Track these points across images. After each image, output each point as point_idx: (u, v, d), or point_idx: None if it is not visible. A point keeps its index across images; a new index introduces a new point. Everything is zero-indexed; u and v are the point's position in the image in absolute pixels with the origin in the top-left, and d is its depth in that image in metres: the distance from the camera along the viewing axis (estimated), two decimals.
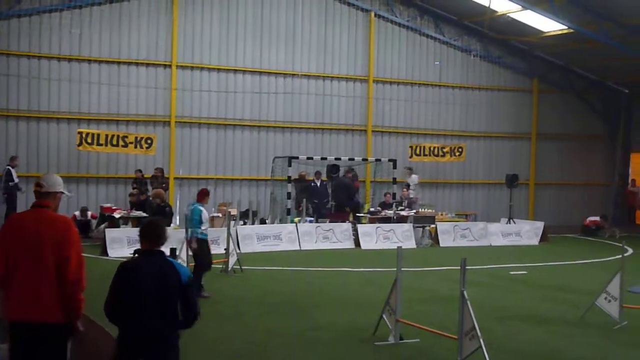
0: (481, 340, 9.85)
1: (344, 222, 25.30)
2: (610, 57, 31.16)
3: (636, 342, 12.04)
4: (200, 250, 15.08)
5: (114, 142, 26.11)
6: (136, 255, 6.76)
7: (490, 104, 33.52)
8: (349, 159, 28.55)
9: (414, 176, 29.63)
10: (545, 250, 25.18)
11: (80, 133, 25.61)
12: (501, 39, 33.02)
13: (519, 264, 21.43)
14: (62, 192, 6.95)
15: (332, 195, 26.64)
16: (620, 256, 13.41)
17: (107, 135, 26.02)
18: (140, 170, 26.63)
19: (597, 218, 30.46)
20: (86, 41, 26.76)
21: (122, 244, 20.96)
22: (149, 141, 26.52)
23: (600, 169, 36.15)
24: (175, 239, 20.29)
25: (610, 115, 35.94)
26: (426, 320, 12.57)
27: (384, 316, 11.73)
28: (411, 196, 28.55)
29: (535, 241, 26.94)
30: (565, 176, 35.20)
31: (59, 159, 26.42)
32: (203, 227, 15.11)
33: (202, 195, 15.54)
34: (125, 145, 26.27)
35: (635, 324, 13.07)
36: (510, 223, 28.43)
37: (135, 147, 26.39)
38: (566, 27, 28.64)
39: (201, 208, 15.13)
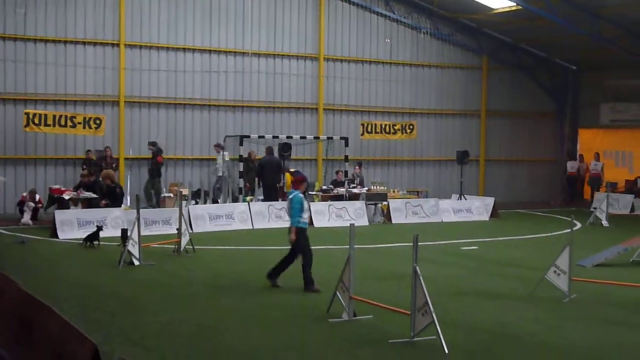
0: (434, 316, 9.94)
1: None
2: (558, 35, 31.45)
3: (585, 315, 12.23)
4: (304, 239, 14.11)
5: (62, 123, 25.69)
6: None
7: (440, 82, 33.66)
8: (301, 137, 28.47)
9: (223, 152, 27.49)
10: (495, 226, 25.46)
11: (27, 114, 25.15)
12: (451, 17, 33.13)
13: (470, 239, 21.63)
14: None
15: (261, 174, 26.15)
16: (569, 230, 13.60)
17: (54, 116, 25.60)
18: (89, 151, 26.34)
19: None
20: (31, 21, 26.22)
21: (72, 226, 20.69)
22: (97, 121, 26.16)
23: (549, 146, 36.59)
24: (126, 220, 20.24)
25: (558, 92, 36.34)
26: (379, 297, 12.63)
27: (337, 293, 11.76)
28: (219, 174, 27.27)
29: (485, 217, 27.22)
30: (514, 152, 35.58)
31: (5, 140, 25.94)
32: (305, 216, 14.23)
33: (300, 182, 14.55)
34: (74, 126, 25.85)
35: (584, 296, 13.28)
36: (461, 199, 28.70)
37: (84, 127, 26.00)
38: (515, 5, 28.84)
39: (301, 196, 14.19)
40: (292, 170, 26.05)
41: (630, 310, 12.65)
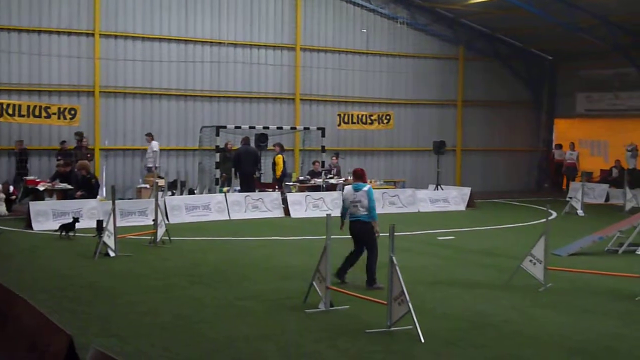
0: (410, 305, 9.96)
1: (274, 191, 25.25)
2: (534, 25, 31.61)
3: (560, 303, 12.31)
4: (374, 234, 13.41)
5: (37, 113, 25.53)
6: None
7: (417, 72, 33.70)
8: (278, 128, 28.42)
9: (153, 142, 27.26)
10: (472, 216, 25.56)
11: (1, 104, 24.96)
12: (427, 7, 33.17)
13: (446, 229, 21.70)
14: None
15: (237, 164, 26.04)
16: (544, 220, 13.67)
17: (29, 106, 25.43)
18: (64, 142, 26.18)
19: None
20: (5, 10, 25.99)
21: (47, 217, 20.54)
22: (72, 112, 26.01)
23: (525, 135, 36.78)
24: (102, 211, 20.12)
25: (534, 81, 36.52)
26: (356, 287, 12.67)
27: (314, 284, 11.76)
28: (149, 165, 26.92)
29: (462, 207, 27.31)
30: (491, 142, 35.72)
31: None
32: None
33: (365, 175, 13.93)
34: (48, 116, 25.70)
35: (560, 285, 13.37)
36: (437, 189, 28.78)
37: (59, 118, 25.86)
38: None
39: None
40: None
41: (605, 298, 12.75)
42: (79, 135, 26.13)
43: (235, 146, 27.06)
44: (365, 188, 13.32)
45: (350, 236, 13.50)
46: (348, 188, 13.56)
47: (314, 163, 27.91)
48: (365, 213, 13.24)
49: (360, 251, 13.55)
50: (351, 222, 13.39)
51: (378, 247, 13.31)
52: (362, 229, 13.27)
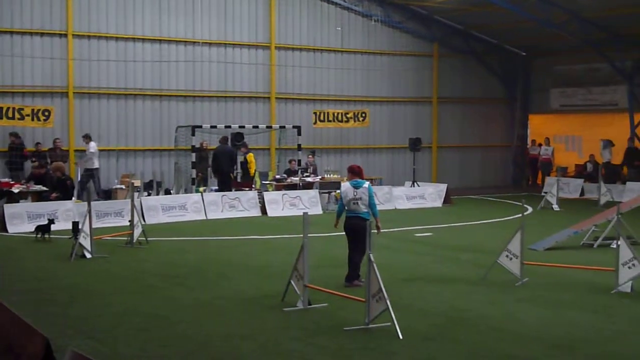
0: (388, 302, 9.98)
1: (250, 190, 25.21)
2: (508, 21, 31.77)
3: (535, 297, 12.38)
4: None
5: (10, 115, 25.32)
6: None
7: (392, 69, 33.75)
8: (253, 127, 28.37)
9: (91, 143, 26.32)
10: (448, 212, 25.65)
11: None
12: (401, 4, 33.23)
13: (423, 226, 21.77)
14: None
15: (214, 163, 25.96)
16: (520, 215, 13.74)
17: (2, 108, 25.21)
18: (39, 143, 25.96)
19: None
20: None
21: (22, 219, 20.37)
22: (46, 113, 25.82)
23: (501, 131, 36.95)
24: (77, 213, 20.00)
25: (509, 77, 36.71)
26: (334, 285, 12.69)
27: (292, 282, 11.75)
28: (88, 166, 26.10)
29: (438, 203, 27.40)
30: (466, 139, 35.86)
31: None
32: None
33: (362, 171, 13.66)
34: (22, 118, 25.50)
35: (536, 280, 13.46)
36: (414, 186, 28.85)
37: (33, 119, 25.66)
38: None
39: None
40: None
41: (581, 292, 12.83)
42: (58, 141, 25.85)
43: (212, 146, 26.98)
44: (366, 185, 13.19)
45: (343, 233, 13.38)
46: (347, 185, 13.31)
47: (290, 162, 27.88)
48: (366, 210, 13.12)
49: (362, 248, 13.04)
50: (350, 217, 13.13)
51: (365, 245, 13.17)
52: (360, 226, 12.79)
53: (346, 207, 13.23)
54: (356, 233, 12.99)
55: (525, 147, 36.59)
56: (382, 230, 13.51)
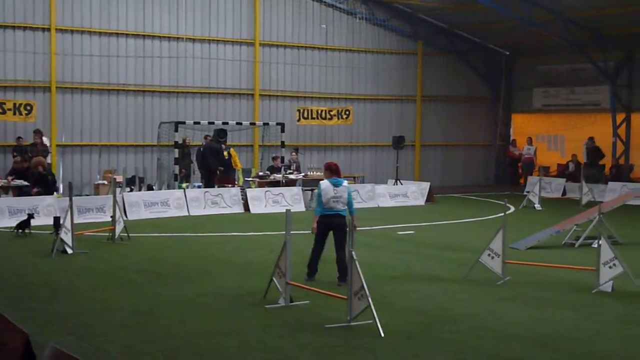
0: (370, 300, 9.97)
1: (233, 186, 25.16)
2: (492, 20, 31.88)
3: (517, 296, 12.42)
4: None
5: None
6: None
7: (376, 67, 33.78)
8: (237, 123, 28.31)
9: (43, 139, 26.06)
10: (431, 210, 25.70)
11: None
12: (386, 2, 33.27)
13: (406, 224, 21.79)
14: None
15: (201, 160, 25.90)
16: (502, 214, 13.78)
17: None
18: (20, 138, 25.78)
19: None
20: None
21: (3, 214, 20.23)
22: (28, 107, 25.71)
23: (484, 130, 37.07)
24: (58, 208, 19.89)
25: (492, 77, 36.82)
26: (316, 282, 12.66)
27: (274, 279, 11.72)
28: None
29: (421, 201, 27.44)
30: (449, 137, 35.95)
31: None
32: None
33: (340, 169, 13.57)
34: (4, 112, 25.42)
35: (517, 278, 13.50)
36: (397, 184, 28.88)
37: (14, 113, 25.57)
38: None
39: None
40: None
41: (563, 291, 12.88)
42: (38, 134, 25.66)
43: (195, 142, 26.90)
44: (345, 183, 13.24)
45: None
46: (326, 183, 13.19)
47: (274, 159, 27.82)
48: (344, 208, 13.13)
49: (323, 244, 13.35)
50: (329, 215, 13.03)
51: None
52: (342, 223, 12.98)
53: (325, 205, 13.16)
54: (338, 230, 13.03)
55: (507, 147, 36.72)
56: (359, 228, 13.48)
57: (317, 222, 13.25)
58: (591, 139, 32.55)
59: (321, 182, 13.33)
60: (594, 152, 32.16)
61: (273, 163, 27.63)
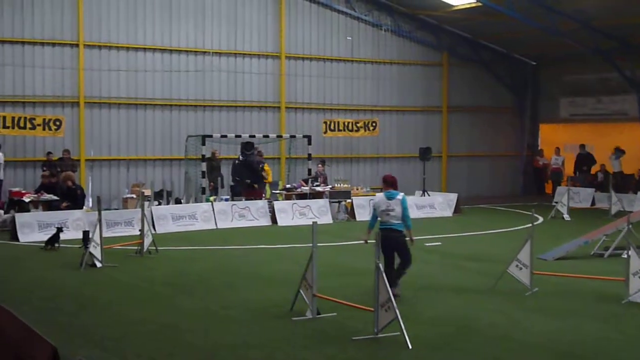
0: (397, 311, 9.95)
1: (260, 199, 25.20)
2: (517, 30, 31.77)
3: (545, 307, 12.33)
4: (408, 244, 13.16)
5: (21, 125, 25.51)
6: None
7: (401, 78, 33.76)
8: (263, 136, 28.39)
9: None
10: (458, 222, 25.58)
11: None
12: (411, 14, 33.27)
13: (433, 235, 21.69)
14: None
15: (237, 173, 25.86)
16: (530, 225, 13.71)
17: (13, 118, 25.39)
18: (50, 153, 26.07)
19: None
20: None
21: (33, 228, 20.41)
22: (57, 123, 25.98)
23: (510, 140, 36.89)
24: (87, 222, 20.05)
25: (518, 86, 36.67)
26: (343, 294, 12.63)
27: (300, 291, 11.73)
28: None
29: (448, 213, 27.33)
30: (476, 148, 35.81)
31: None
32: None
33: (396, 182, 13.39)
34: (33, 128, 25.68)
35: (546, 289, 13.41)
36: (424, 195, 28.78)
37: (44, 129, 25.85)
38: (474, 1, 29.06)
39: None
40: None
41: (591, 302, 12.78)
42: (67, 152, 26.05)
43: (223, 155, 27.03)
44: (399, 196, 12.98)
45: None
46: (380, 196, 13.14)
47: (317, 165, 27.88)
48: (399, 222, 12.93)
49: (393, 259, 13.11)
50: (384, 230, 12.54)
51: (411, 256, 13.10)
52: (397, 238, 12.86)
53: (379, 219, 13.05)
54: (390, 246, 12.77)
55: (534, 157, 36.52)
56: (413, 240, 13.28)
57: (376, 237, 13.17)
58: (582, 146, 32.61)
59: (377, 194, 13.19)
60: (581, 159, 32.68)
61: (318, 169, 27.75)
